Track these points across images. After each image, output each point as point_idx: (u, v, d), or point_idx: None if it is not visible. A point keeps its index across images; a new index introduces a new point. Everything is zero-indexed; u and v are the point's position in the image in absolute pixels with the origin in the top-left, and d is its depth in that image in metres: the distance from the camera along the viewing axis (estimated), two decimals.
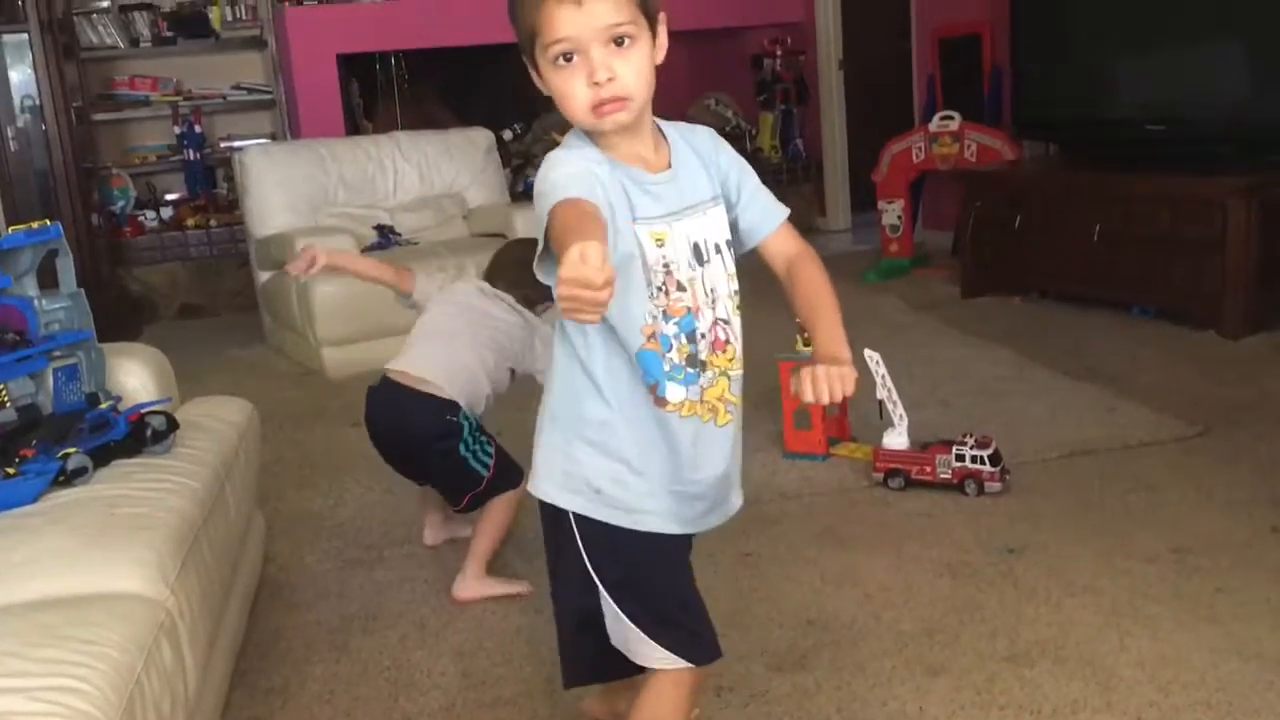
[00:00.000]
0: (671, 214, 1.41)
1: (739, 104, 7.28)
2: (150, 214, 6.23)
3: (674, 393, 1.41)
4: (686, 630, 1.47)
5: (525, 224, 4.88)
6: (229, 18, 6.44)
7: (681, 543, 1.50)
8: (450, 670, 2.18)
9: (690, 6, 6.34)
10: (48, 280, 2.26)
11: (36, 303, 2.21)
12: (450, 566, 2.57)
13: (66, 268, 2.27)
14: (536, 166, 6.17)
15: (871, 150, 5.92)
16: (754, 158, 7.14)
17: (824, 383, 1.36)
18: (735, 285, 1.47)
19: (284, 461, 3.43)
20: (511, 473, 2.46)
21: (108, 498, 1.94)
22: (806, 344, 3.12)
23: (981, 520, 2.67)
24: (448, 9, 6.32)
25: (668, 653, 1.45)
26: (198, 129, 6.34)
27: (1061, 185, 4.75)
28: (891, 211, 5.73)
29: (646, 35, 1.34)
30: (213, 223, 6.14)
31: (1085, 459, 3.01)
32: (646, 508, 1.44)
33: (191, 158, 6.35)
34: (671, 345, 1.40)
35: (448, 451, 2.41)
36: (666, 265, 1.39)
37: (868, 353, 2.95)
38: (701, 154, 1.47)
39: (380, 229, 5.02)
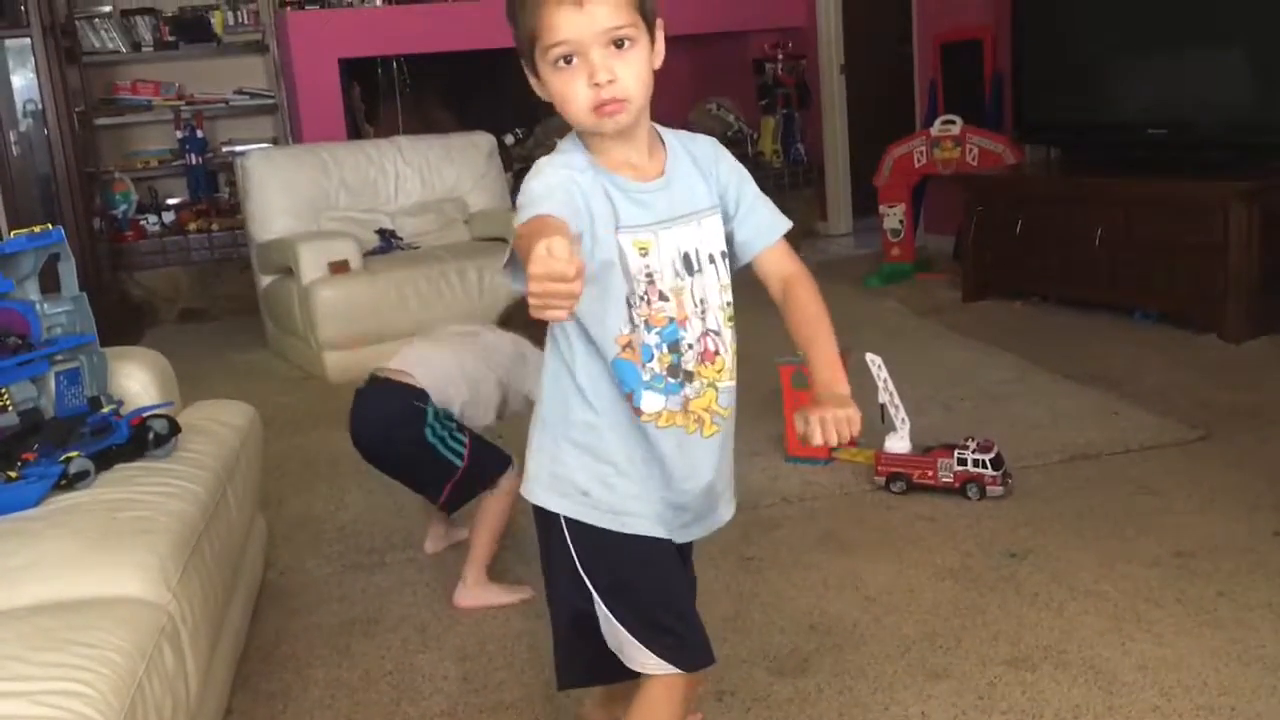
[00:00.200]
0: (659, 222, 1.40)
1: (740, 108, 7.29)
2: (152, 218, 6.23)
3: (651, 402, 1.41)
4: (677, 635, 1.46)
5: None
6: (231, 22, 6.45)
7: (671, 547, 1.49)
8: (452, 674, 2.18)
9: (692, 10, 6.35)
10: (50, 284, 2.26)
11: (38, 307, 2.22)
12: (452, 570, 2.57)
13: (68, 272, 2.27)
14: None
15: (873, 155, 5.92)
16: (755, 162, 7.16)
17: (832, 427, 1.35)
18: (729, 297, 1.46)
19: (285, 466, 3.43)
20: (492, 463, 2.42)
21: (109, 501, 1.94)
22: None
23: (983, 524, 2.67)
24: (449, 13, 6.34)
25: (658, 658, 1.44)
26: (199, 133, 6.35)
27: (1063, 189, 4.76)
28: (893, 216, 5.73)
29: (645, 39, 1.34)
30: (214, 227, 6.15)
31: (1087, 463, 3.01)
32: (634, 510, 1.43)
33: (193, 162, 6.36)
34: (653, 355, 1.40)
35: (413, 439, 2.37)
36: (649, 274, 1.38)
37: (869, 357, 2.95)
38: (701, 162, 1.47)
39: (382, 233, 5.03)
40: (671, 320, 1.40)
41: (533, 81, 1.38)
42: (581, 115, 1.34)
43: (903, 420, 2.92)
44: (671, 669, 1.45)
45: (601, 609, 1.45)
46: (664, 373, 1.41)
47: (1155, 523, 2.61)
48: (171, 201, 6.40)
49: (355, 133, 6.48)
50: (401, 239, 5.05)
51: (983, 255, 4.97)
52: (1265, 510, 2.63)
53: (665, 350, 1.40)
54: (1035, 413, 3.41)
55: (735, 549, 2.58)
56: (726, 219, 1.49)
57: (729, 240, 1.48)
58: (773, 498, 2.90)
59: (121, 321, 5.30)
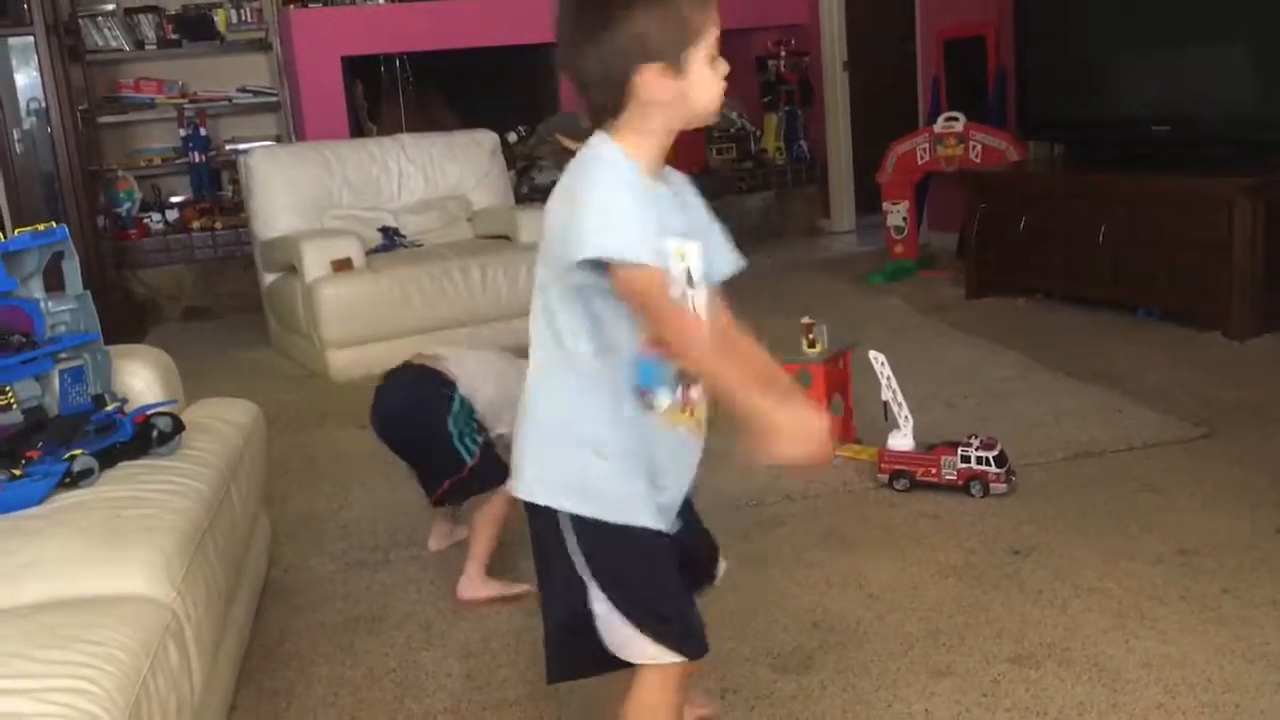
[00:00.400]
0: (686, 233, 1.45)
1: (743, 105, 7.28)
2: (155, 216, 6.24)
3: (664, 399, 1.45)
4: (675, 625, 1.48)
5: (529, 226, 4.88)
6: (234, 20, 6.45)
7: (668, 540, 1.50)
8: (456, 671, 2.18)
9: None
10: (54, 282, 2.27)
11: (42, 305, 2.22)
12: (455, 568, 2.57)
13: (72, 270, 2.27)
14: (541, 169, 6.22)
15: (876, 152, 5.92)
16: (758, 159, 7.16)
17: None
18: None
19: (289, 464, 3.44)
20: (495, 473, 2.43)
21: (114, 499, 1.94)
22: (811, 345, 3.12)
23: (987, 522, 2.67)
24: (451, 11, 6.34)
25: (658, 647, 1.46)
26: (203, 131, 6.35)
27: (1067, 186, 4.75)
28: (896, 213, 5.73)
29: None
30: (218, 225, 6.15)
31: (1091, 460, 3.01)
32: (636, 504, 1.45)
33: (197, 160, 6.36)
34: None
35: (434, 423, 2.43)
36: (684, 278, 1.43)
37: (873, 354, 2.95)
38: (679, 185, 1.51)
39: (385, 231, 5.03)
40: None
41: (658, 76, 1.35)
42: (712, 106, 1.41)
43: (906, 418, 2.92)
44: (675, 657, 1.47)
45: (598, 600, 1.46)
46: (676, 375, 1.45)
47: (1159, 520, 2.61)
48: (175, 199, 6.41)
49: (358, 130, 6.48)
50: (404, 237, 5.05)
51: (986, 252, 4.96)
52: (1269, 507, 2.63)
53: None
54: (1038, 410, 3.40)
55: (738, 546, 2.58)
56: None
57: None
58: (775, 495, 2.90)
59: (125, 319, 5.31)
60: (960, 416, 3.37)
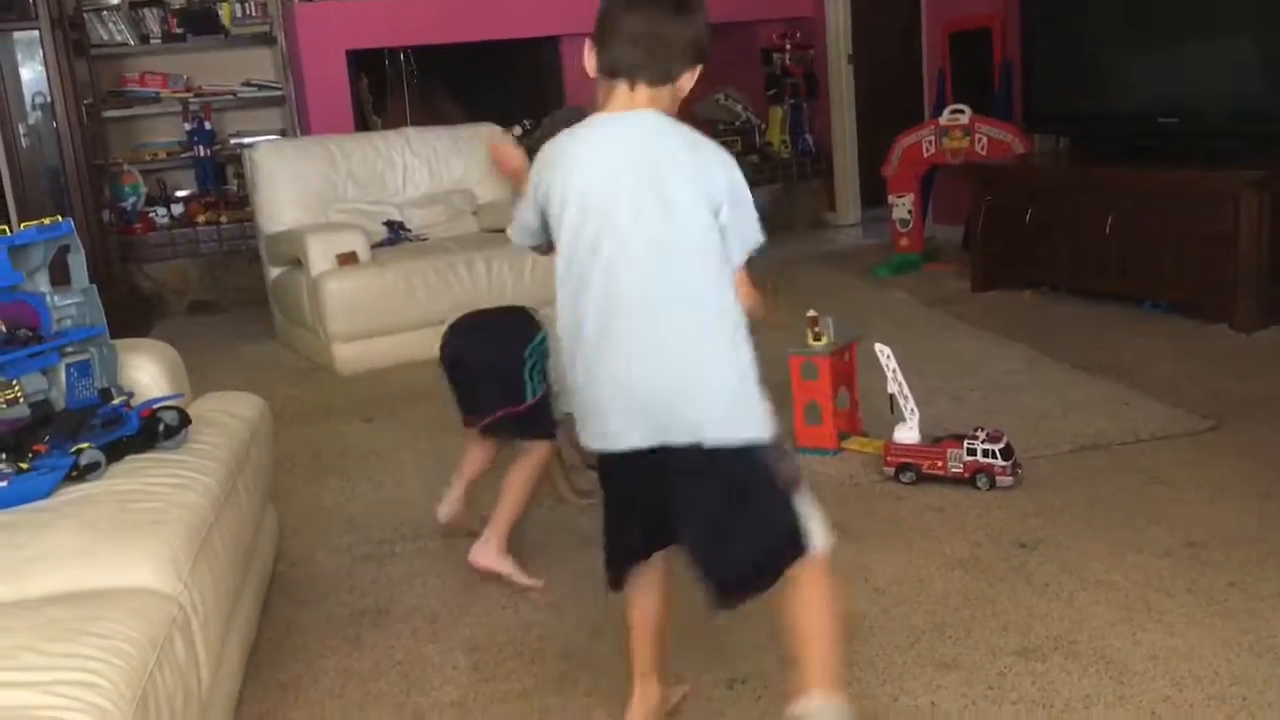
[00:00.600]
0: None
1: (748, 99, 7.27)
2: (161, 210, 6.24)
3: None
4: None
5: None
6: (239, 14, 6.44)
7: None
8: (462, 664, 2.18)
9: None
10: (59, 276, 2.27)
11: (48, 299, 2.22)
12: (462, 561, 2.58)
13: (78, 264, 2.27)
14: None
15: (881, 144, 5.90)
16: (763, 153, 7.15)
17: None
18: None
19: (295, 457, 3.44)
20: (546, 420, 2.49)
21: (121, 493, 1.95)
22: (817, 338, 3.12)
23: (993, 514, 2.67)
24: (456, 5, 6.32)
25: (822, 530, 1.70)
26: (208, 125, 6.35)
27: (1073, 179, 4.74)
28: (901, 206, 5.72)
29: None
30: (223, 219, 6.15)
31: (1097, 453, 3.00)
32: None
33: (202, 154, 6.36)
34: None
35: (510, 353, 2.47)
36: None
37: (878, 347, 2.95)
38: None
39: (390, 225, 5.03)
40: None
41: (694, 77, 1.67)
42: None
43: (912, 410, 2.91)
44: (824, 541, 1.70)
45: (800, 504, 1.69)
46: None
47: (1166, 513, 2.61)
48: (180, 194, 6.41)
49: (363, 124, 6.47)
50: (409, 231, 5.05)
51: (991, 245, 4.95)
52: (1276, 500, 2.62)
53: None
54: (1045, 403, 3.40)
55: None
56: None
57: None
58: None
59: (131, 313, 5.31)
60: (966, 409, 3.37)
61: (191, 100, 6.38)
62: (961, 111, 5.41)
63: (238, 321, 5.71)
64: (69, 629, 1.49)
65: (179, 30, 6.33)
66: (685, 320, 1.62)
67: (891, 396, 2.94)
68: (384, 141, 5.33)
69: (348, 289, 4.45)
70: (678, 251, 1.60)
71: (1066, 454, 3.01)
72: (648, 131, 1.64)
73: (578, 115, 1.64)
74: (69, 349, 2.21)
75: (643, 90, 1.64)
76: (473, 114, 6.08)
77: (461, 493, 2.70)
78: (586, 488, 2.88)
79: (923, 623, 2.20)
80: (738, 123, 7.09)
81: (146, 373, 2.41)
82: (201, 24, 6.35)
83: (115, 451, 2.10)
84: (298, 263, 4.68)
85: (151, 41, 6.31)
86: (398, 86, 6.86)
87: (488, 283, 4.63)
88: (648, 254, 1.60)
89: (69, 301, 2.25)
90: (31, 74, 5.34)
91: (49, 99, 5.27)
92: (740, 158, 7.01)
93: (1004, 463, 2.78)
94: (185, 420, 2.21)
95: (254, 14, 6.46)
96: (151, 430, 2.16)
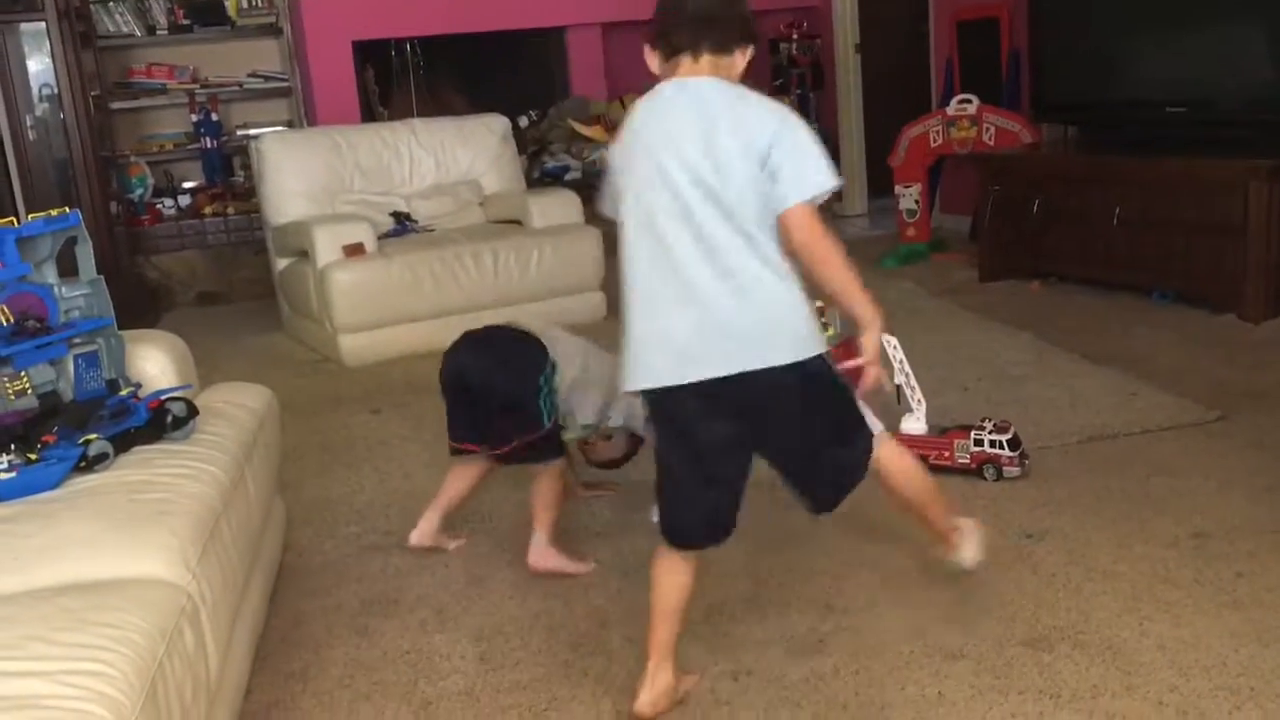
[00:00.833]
0: None
1: (755, 88, 7.24)
2: (168, 202, 6.25)
3: None
4: None
5: (542, 211, 4.88)
6: (245, 5, 6.45)
7: None
8: (469, 654, 2.19)
9: None
10: (67, 268, 2.27)
11: (56, 290, 2.23)
12: (470, 552, 2.59)
13: (86, 255, 2.28)
14: (552, 153, 6.21)
15: (888, 134, 5.89)
16: None
17: None
18: None
19: (302, 448, 3.45)
20: (555, 448, 2.50)
21: (129, 484, 1.95)
22: (824, 329, 3.11)
23: (1000, 505, 2.67)
24: None
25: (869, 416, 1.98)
26: (214, 117, 6.36)
27: (1080, 168, 4.72)
28: (909, 196, 5.71)
29: None
30: (230, 210, 6.16)
31: (1104, 444, 3.00)
32: None
33: (208, 145, 6.37)
34: None
35: (524, 382, 2.45)
36: None
37: (885, 338, 2.94)
38: None
39: (397, 216, 5.03)
40: None
41: (745, 57, 1.94)
42: None
43: (919, 401, 2.91)
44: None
45: (863, 412, 1.96)
46: None
47: (1173, 503, 2.60)
48: (187, 185, 6.42)
49: (369, 115, 6.48)
50: (416, 222, 5.05)
51: (999, 235, 4.94)
52: None
53: None
54: (1052, 393, 3.39)
55: (752, 530, 2.57)
56: None
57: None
58: None
59: (138, 305, 5.33)
60: (973, 400, 3.37)
61: (198, 91, 6.39)
62: (969, 101, 5.39)
63: (245, 313, 5.72)
64: (78, 619, 1.50)
65: (185, 21, 6.34)
66: (741, 258, 1.76)
67: (898, 387, 2.94)
68: (390, 133, 5.33)
69: (354, 280, 4.45)
70: (724, 198, 1.75)
71: (1073, 444, 3.00)
72: (704, 90, 1.82)
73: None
74: (77, 340, 2.22)
75: (706, 59, 1.86)
76: (479, 105, 6.08)
77: (437, 522, 2.68)
78: (593, 481, 2.89)
79: (930, 612, 2.20)
80: None
81: (154, 364, 2.41)
82: (208, 15, 6.36)
83: (123, 442, 2.10)
84: (304, 254, 4.68)
85: (158, 32, 6.31)
86: (404, 77, 6.87)
87: (494, 274, 4.64)
88: (701, 202, 1.75)
89: (77, 293, 2.25)
90: (39, 65, 5.35)
91: (56, 90, 5.28)
92: None
93: (1011, 453, 2.78)
94: (193, 411, 2.22)
95: (260, 5, 6.46)
96: (159, 421, 2.17)
